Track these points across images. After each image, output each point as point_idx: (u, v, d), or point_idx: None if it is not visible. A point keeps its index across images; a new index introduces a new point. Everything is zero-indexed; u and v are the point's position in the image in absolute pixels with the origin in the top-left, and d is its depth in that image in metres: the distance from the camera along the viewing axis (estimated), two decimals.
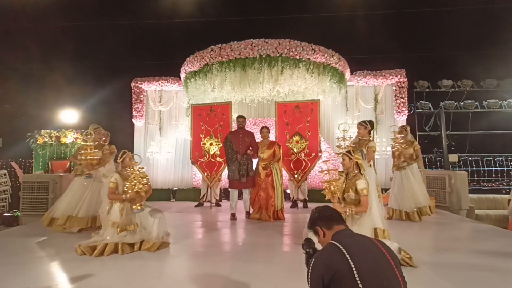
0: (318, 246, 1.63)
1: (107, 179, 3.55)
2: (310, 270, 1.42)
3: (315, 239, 1.68)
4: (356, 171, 3.14)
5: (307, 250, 1.62)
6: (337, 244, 1.42)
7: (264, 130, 5.56)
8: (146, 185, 3.52)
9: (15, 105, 11.47)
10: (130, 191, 3.41)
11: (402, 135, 5.35)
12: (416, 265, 2.92)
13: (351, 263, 1.32)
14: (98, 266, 3.03)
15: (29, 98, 11.35)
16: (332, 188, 3.24)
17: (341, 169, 3.39)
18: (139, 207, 3.48)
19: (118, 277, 2.79)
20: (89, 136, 4.45)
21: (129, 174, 3.54)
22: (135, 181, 3.44)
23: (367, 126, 4.44)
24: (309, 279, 1.42)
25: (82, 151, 4.38)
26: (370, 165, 4.19)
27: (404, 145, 5.21)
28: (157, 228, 3.53)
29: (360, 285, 1.27)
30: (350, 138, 4.14)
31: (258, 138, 5.74)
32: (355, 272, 1.30)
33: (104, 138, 4.76)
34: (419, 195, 5.07)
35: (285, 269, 2.97)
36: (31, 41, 10.70)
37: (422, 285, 2.52)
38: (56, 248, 3.63)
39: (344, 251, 1.37)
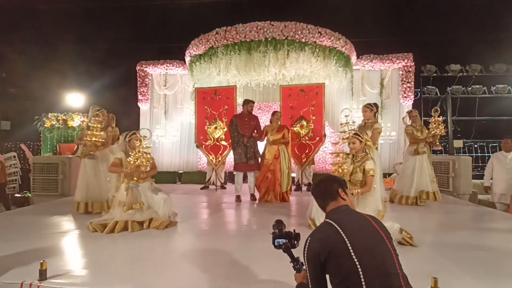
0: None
1: (113, 157, 3.62)
2: (306, 249, 1.45)
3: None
4: (363, 153, 3.21)
5: (274, 231, 1.65)
6: (331, 222, 1.46)
7: (277, 114, 5.56)
8: (148, 161, 3.56)
9: (21, 88, 11.56)
10: (132, 162, 3.46)
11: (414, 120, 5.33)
12: (417, 244, 3.00)
13: (346, 240, 1.36)
14: (108, 242, 3.15)
15: (35, 82, 11.42)
16: (341, 171, 3.27)
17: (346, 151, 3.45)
18: (135, 183, 3.52)
19: (128, 252, 2.91)
20: (95, 118, 4.44)
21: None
22: (139, 154, 3.48)
23: (373, 109, 4.43)
24: (305, 258, 1.46)
25: (88, 132, 4.37)
26: (376, 148, 4.22)
27: (427, 130, 5.23)
28: (163, 209, 3.62)
29: (356, 261, 1.32)
30: (354, 122, 4.04)
31: (267, 122, 5.74)
32: (350, 248, 1.34)
33: (108, 120, 4.77)
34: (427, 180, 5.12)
35: None
36: (36, 24, 10.68)
37: (422, 263, 2.60)
38: (68, 226, 3.77)
39: (339, 229, 1.40)
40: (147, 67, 8.60)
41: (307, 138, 6.44)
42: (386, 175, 5.92)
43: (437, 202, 5.26)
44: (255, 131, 5.53)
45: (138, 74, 8.66)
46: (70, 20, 10.77)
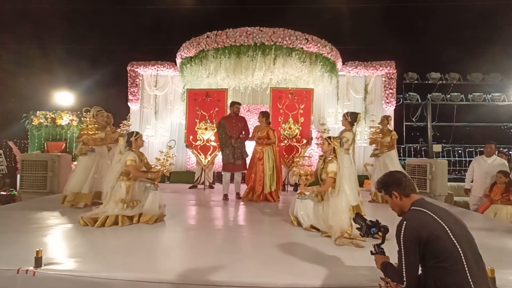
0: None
1: (123, 157, 3.74)
2: (403, 233, 1.57)
3: None
4: (331, 156, 3.47)
5: (366, 221, 1.85)
6: (425, 210, 1.61)
7: (259, 115, 5.75)
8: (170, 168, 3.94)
9: (7, 86, 11.42)
10: (161, 169, 3.85)
11: (380, 125, 5.77)
12: (389, 238, 3.23)
13: (443, 224, 1.53)
14: (99, 235, 3.27)
15: (22, 79, 11.32)
16: (302, 172, 3.80)
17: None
18: (156, 187, 3.87)
19: (119, 244, 3.05)
20: (90, 119, 4.66)
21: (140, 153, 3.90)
22: (167, 163, 3.86)
23: (347, 118, 4.89)
24: (402, 240, 1.57)
25: (85, 132, 4.63)
26: (349, 153, 4.58)
27: (381, 134, 5.65)
28: (152, 199, 3.79)
29: (455, 242, 1.48)
30: (328, 131, 4.67)
31: (256, 123, 5.93)
32: (448, 231, 1.51)
33: (106, 120, 4.99)
34: None
35: (272, 238, 3.26)
36: (24, 22, 10.63)
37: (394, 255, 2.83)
38: (58, 220, 3.86)
39: (433, 215, 1.57)
40: (138, 67, 8.70)
41: (294, 140, 6.67)
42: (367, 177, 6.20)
43: None
44: (243, 132, 5.72)
45: (129, 74, 8.75)
46: (59, 18, 10.76)
